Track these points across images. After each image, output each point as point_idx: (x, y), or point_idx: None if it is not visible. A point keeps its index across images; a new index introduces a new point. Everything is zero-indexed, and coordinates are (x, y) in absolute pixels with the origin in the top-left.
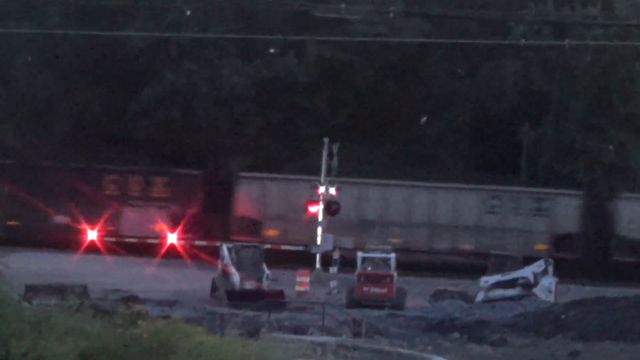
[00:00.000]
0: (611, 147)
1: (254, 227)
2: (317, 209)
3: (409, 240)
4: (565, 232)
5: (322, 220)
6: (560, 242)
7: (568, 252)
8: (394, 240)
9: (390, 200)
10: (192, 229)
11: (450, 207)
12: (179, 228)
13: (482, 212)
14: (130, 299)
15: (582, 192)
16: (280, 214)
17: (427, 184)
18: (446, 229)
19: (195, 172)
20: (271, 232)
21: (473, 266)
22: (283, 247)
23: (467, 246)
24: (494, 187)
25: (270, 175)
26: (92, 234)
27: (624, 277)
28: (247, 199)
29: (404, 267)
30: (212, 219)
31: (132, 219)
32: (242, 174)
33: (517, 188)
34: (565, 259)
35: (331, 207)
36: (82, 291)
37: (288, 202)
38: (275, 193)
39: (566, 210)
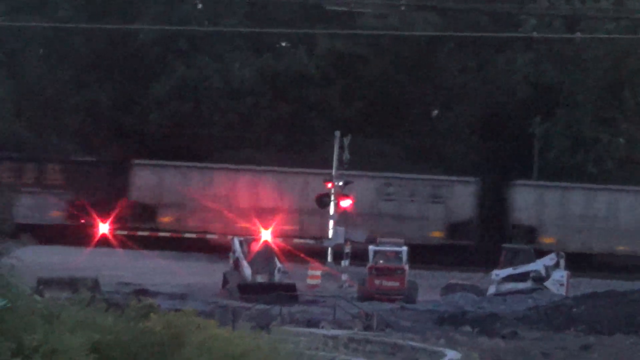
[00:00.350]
0: (621, 140)
1: (148, 213)
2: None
3: None
4: (461, 219)
5: (334, 213)
6: (455, 229)
7: (464, 239)
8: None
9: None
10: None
11: None
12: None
13: (378, 199)
14: (142, 292)
15: (477, 179)
16: (176, 201)
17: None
18: None
19: (91, 159)
20: (165, 219)
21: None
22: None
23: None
24: (389, 174)
25: (166, 163)
26: (103, 227)
27: None
28: (142, 185)
29: None
30: (111, 206)
31: (26, 205)
32: (137, 160)
33: (412, 175)
34: (460, 245)
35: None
36: (94, 284)
37: (185, 189)
38: (169, 180)
39: (462, 197)
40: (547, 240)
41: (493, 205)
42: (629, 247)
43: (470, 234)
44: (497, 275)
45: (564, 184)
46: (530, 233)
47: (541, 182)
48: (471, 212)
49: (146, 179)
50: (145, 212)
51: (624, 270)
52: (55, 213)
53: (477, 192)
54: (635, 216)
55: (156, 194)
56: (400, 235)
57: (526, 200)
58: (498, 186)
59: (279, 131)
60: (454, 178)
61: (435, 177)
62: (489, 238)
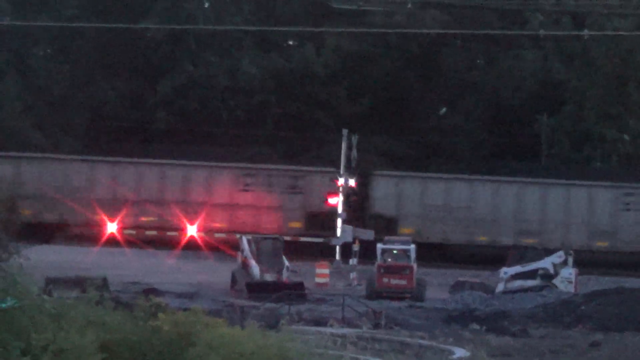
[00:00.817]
0: (626, 137)
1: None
2: (336, 201)
3: None
4: (320, 210)
5: (342, 212)
6: (314, 220)
7: (322, 230)
8: None
9: None
10: None
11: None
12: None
13: (234, 191)
14: (150, 291)
15: (334, 169)
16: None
17: None
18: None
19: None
20: (26, 212)
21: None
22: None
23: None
24: (248, 164)
25: (24, 155)
26: (111, 227)
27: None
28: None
29: None
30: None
31: None
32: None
33: (271, 166)
34: (319, 235)
35: (350, 199)
36: (102, 283)
37: (66, 184)
38: (29, 174)
39: (321, 188)
40: (406, 230)
41: (354, 196)
42: (488, 237)
43: (328, 225)
44: (505, 273)
45: (423, 174)
46: (390, 224)
47: (401, 173)
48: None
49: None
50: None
51: (483, 262)
52: None
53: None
54: (494, 206)
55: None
56: (259, 226)
57: (386, 191)
58: (359, 177)
59: (286, 129)
60: (312, 168)
61: (294, 167)
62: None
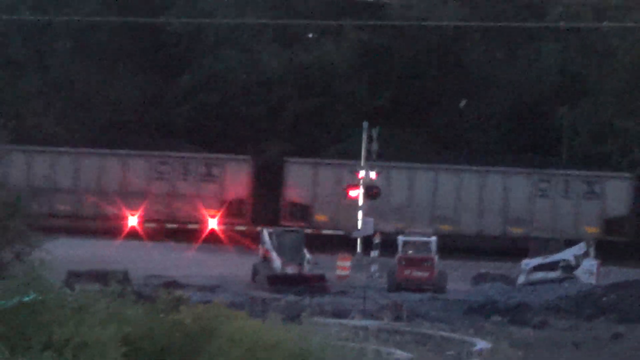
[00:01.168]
0: None
1: None
2: (357, 193)
3: None
4: (238, 197)
5: (363, 204)
6: (231, 207)
7: (238, 218)
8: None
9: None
10: None
11: None
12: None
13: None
14: (171, 284)
15: (250, 157)
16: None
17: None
18: None
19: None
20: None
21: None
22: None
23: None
24: (162, 152)
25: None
26: (132, 220)
27: None
28: None
29: None
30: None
31: None
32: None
33: (185, 154)
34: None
35: (371, 191)
36: (123, 277)
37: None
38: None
39: (238, 176)
40: (320, 218)
41: (267, 184)
42: (403, 224)
43: (244, 213)
44: (526, 264)
45: (336, 161)
46: (304, 211)
47: (315, 160)
48: (247, 192)
49: None
50: None
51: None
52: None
53: (252, 171)
54: (409, 193)
55: None
56: (170, 214)
57: (300, 178)
58: (273, 164)
59: (307, 123)
60: (226, 156)
61: (210, 155)
62: (262, 217)
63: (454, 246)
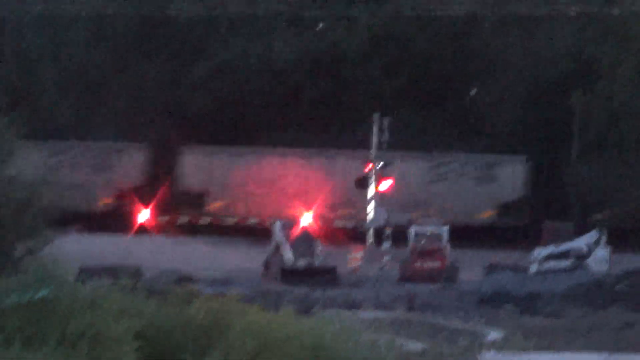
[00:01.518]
0: None
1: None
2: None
3: None
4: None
5: (375, 194)
6: (121, 195)
7: (126, 206)
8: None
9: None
10: None
11: None
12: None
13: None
14: (184, 278)
15: (145, 144)
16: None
17: None
18: None
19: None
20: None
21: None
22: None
23: None
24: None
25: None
26: (144, 215)
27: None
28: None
29: None
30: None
31: None
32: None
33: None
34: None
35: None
36: (136, 272)
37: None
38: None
39: (130, 164)
40: (215, 205)
41: (163, 172)
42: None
43: (134, 200)
44: (538, 253)
45: (232, 148)
46: (199, 199)
47: (210, 147)
48: (137, 179)
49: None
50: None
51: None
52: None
53: (148, 159)
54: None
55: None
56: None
57: (195, 166)
58: (168, 152)
59: (321, 111)
60: (121, 145)
61: (101, 143)
62: (156, 205)
63: None
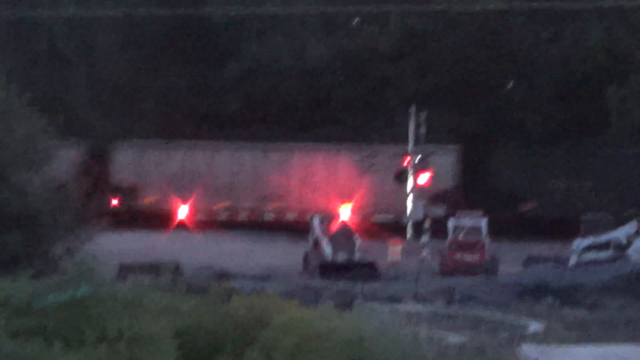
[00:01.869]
0: None
1: None
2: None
3: None
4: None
5: (413, 188)
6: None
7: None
8: None
9: None
10: None
11: None
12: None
13: None
14: (223, 275)
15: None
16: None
17: None
18: None
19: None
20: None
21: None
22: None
23: None
24: None
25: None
26: (182, 212)
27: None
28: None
29: None
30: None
31: None
32: None
33: None
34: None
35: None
36: (175, 269)
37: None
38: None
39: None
40: (148, 200)
41: (95, 168)
42: (230, 201)
43: (70, 197)
44: (578, 245)
45: (164, 142)
46: (131, 193)
47: (141, 141)
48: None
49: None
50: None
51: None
52: None
53: (80, 156)
54: (233, 172)
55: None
56: None
57: (127, 161)
58: (100, 147)
59: (354, 109)
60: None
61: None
62: (89, 200)
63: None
